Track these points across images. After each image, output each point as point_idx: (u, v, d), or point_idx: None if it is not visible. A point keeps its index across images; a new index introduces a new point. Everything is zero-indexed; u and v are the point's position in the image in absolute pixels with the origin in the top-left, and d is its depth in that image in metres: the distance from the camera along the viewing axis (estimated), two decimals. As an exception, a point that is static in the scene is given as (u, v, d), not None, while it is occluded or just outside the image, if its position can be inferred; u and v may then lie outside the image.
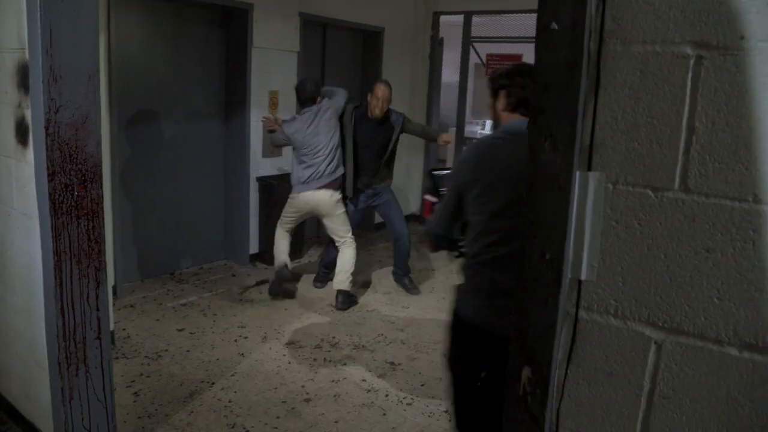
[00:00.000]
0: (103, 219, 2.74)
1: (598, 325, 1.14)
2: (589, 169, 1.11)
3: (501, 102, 2.13)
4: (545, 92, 1.12)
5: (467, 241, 2.08)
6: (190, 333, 4.20)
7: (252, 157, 5.44)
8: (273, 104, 5.54)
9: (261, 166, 5.55)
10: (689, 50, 1.01)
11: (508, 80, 2.12)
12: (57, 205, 2.54)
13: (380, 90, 4.76)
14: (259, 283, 5.17)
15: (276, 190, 5.37)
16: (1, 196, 2.87)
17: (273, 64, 5.49)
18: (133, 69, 4.71)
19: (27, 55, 2.50)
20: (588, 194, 1.11)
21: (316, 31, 6.16)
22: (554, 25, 1.08)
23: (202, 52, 5.24)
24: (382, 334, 4.34)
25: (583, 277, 1.14)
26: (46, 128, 2.46)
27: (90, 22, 2.55)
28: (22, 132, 2.64)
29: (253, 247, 5.62)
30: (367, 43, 6.77)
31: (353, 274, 4.78)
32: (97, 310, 2.75)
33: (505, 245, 1.92)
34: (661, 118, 1.04)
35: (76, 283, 2.66)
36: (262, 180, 5.52)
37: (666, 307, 1.07)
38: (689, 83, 1.01)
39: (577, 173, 1.11)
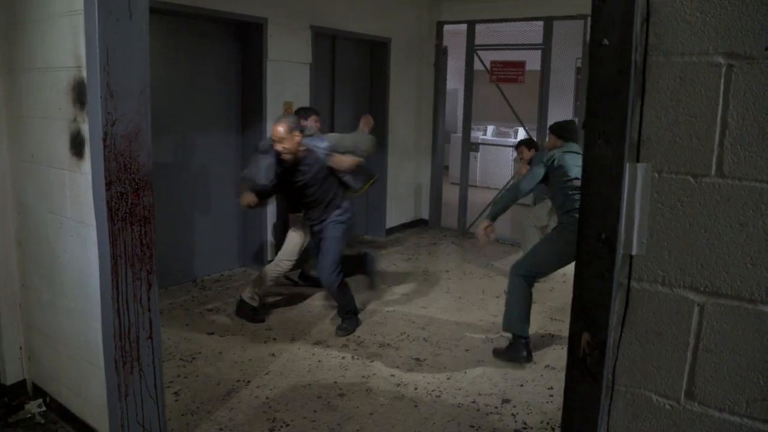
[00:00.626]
0: (153, 225, 2.95)
1: (647, 293, 1.36)
2: (638, 160, 1.33)
3: None
4: (598, 98, 1.34)
5: None
6: (220, 336, 4.39)
7: (269, 166, 5.64)
8: (287, 115, 5.75)
9: (278, 174, 5.76)
10: (721, 60, 1.23)
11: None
12: (113, 212, 2.74)
13: (275, 130, 4.08)
14: (279, 286, 5.37)
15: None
16: (53, 206, 3.06)
17: (287, 76, 5.72)
18: (152, 82, 4.90)
19: (84, 73, 2.72)
20: (637, 181, 1.33)
21: (326, 43, 6.41)
22: (605, 41, 1.30)
23: (218, 65, 5.47)
24: (404, 333, 4.54)
25: (634, 252, 1.36)
26: (104, 140, 2.67)
27: (141, 42, 2.77)
28: (77, 145, 2.85)
29: (270, 255, 5.82)
30: (374, 53, 7.02)
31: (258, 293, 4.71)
32: (149, 311, 2.95)
33: None
34: (698, 116, 1.26)
35: (130, 286, 2.86)
36: (280, 188, 5.73)
37: (707, 274, 1.29)
38: (722, 87, 1.24)
39: (627, 164, 1.33)
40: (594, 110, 1.36)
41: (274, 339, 4.37)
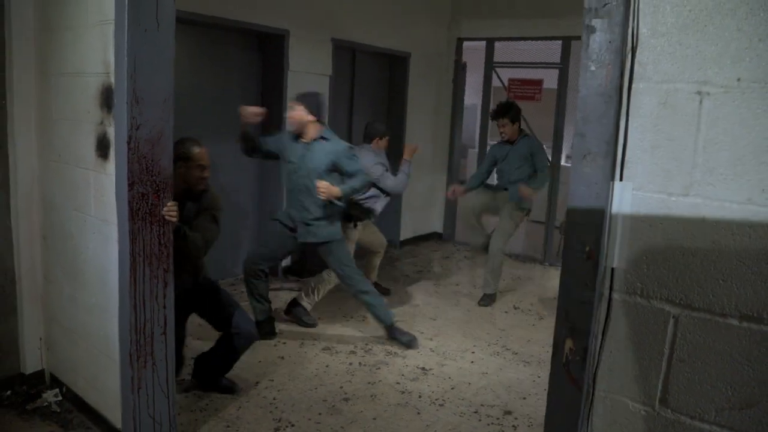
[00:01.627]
0: (170, 226, 3.09)
1: (627, 304, 1.45)
2: (621, 179, 1.43)
3: None
4: (586, 121, 1.45)
5: None
6: (232, 338, 4.51)
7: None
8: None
9: (295, 183, 5.90)
10: (699, 88, 1.33)
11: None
12: (134, 211, 2.89)
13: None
14: (291, 291, 5.49)
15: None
16: (78, 204, 3.22)
17: (307, 87, 5.85)
18: (175, 89, 5.08)
19: (112, 79, 2.88)
20: (619, 199, 1.43)
21: (346, 56, 6.56)
22: (593, 68, 1.41)
23: (240, 75, 5.64)
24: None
25: (615, 265, 1.45)
26: (128, 143, 2.81)
27: (167, 53, 2.92)
28: (103, 147, 3.00)
29: (286, 261, 5.95)
30: (393, 67, 7.17)
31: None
32: (164, 308, 3.08)
33: None
34: (677, 139, 1.36)
35: (148, 283, 2.99)
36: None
37: (682, 287, 1.39)
38: (699, 113, 1.33)
39: (611, 183, 1.43)
40: (582, 132, 1.46)
41: (284, 343, 4.49)
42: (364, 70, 6.85)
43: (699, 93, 1.32)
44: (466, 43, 7.59)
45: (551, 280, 6.71)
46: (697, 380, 1.38)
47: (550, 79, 7.06)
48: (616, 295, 1.46)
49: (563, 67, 6.83)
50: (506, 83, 7.33)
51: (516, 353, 4.57)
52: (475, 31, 7.40)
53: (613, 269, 1.45)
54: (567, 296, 1.51)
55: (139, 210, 2.89)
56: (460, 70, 7.64)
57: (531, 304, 5.78)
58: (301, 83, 5.81)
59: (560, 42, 6.81)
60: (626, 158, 1.41)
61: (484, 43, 7.37)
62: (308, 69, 5.84)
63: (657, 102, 1.36)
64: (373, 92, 7.08)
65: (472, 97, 8.32)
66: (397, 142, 7.12)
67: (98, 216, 3.08)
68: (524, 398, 3.87)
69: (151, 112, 2.88)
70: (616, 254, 1.44)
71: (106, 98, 2.94)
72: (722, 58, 1.28)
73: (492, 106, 6.28)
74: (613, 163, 1.42)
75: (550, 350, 4.53)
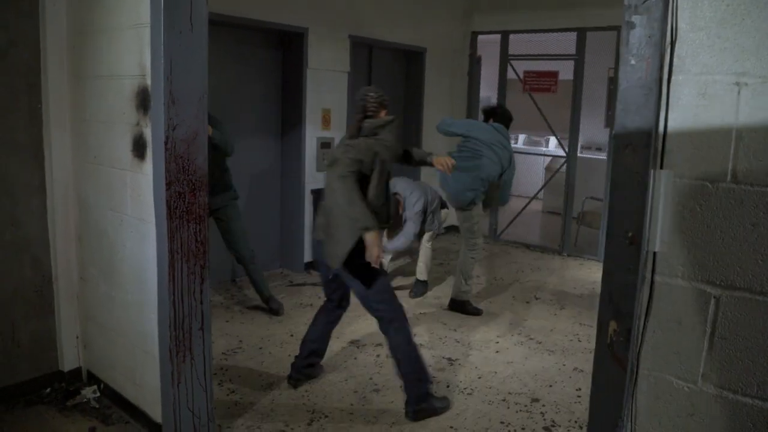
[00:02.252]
0: (207, 223, 3.19)
1: (669, 286, 1.54)
2: (661, 167, 1.51)
3: None
4: (626, 112, 1.53)
5: None
6: (259, 333, 4.62)
7: (307, 171, 5.90)
8: (325, 121, 6.00)
9: (315, 179, 6.01)
10: (737, 79, 1.41)
11: None
12: (172, 210, 2.98)
13: None
14: (314, 286, 5.60)
15: (332, 201, 5.82)
16: (114, 204, 3.32)
17: (326, 83, 5.97)
18: (201, 90, 5.20)
19: (148, 81, 2.97)
20: (660, 187, 1.51)
21: (363, 52, 6.65)
22: (633, 62, 1.49)
23: (261, 73, 5.74)
24: (435, 334, 4.73)
25: (656, 249, 1.54)
26: (165, 143, 2.91)
27: (201, 53, 3.00)
28: (139, 147, 3.10)
29: (308, 256, 6.06)
30: (410, 62, 7.26)
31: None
32: (201, 304, 3.18)
33: None
34: (715, 129, 1.44)
35: (185, 279, 3.09)
36: (316, 193, 5.97)
37: (722, 269, 1.47)
38: (737, 103, 1.41)
39: (652, 171, 1.51)
40: (622, 123, 1.54)
41: (312, 336, 4.60)
42: (381, 66, 6.94)
43: (737, 84, 1.40)
44: (480, 37, 7.66)
45: (570, 270, 6.78)
46: (738, 356, 1.46)
47: (565, 70, 7.11)
48: (658, 278, 1.54)
49: (578, 59, 6.89)
50: (521, 75, 7.38)
51: (540, 342, 4.66)
52: (490, 25, 7.46)
53: (655, 253, 1.54)
54: (610, 280, 1.59)
55: (176, 208, 2.99)
56: (475, 63, 7.71)
57: (552, 294, 5.86)
58: (320, 80, 5.91)
59: (575, 33, 6.86)
60: (666, 147, 1.50)
61: (499, 36, 7.42)
62: (327, 66, 5.94)
63: (696, 93, 1.44)
64: (391, 88, 7.16)
65: (487, 89, 8.38)
66: (414, 135, 7.20)
67: (135, 215, 3.18)
68: (550, 386, 3.95)
69: (187, 113, 2.97)
70: (658, 239, 1.52)
71: (143, 100, 3.04)
72: (760, 50, 1.36)
73: (486, 104, 6.02)
74: (653, 152, 1.50)
75: (573, 339, 4.63)
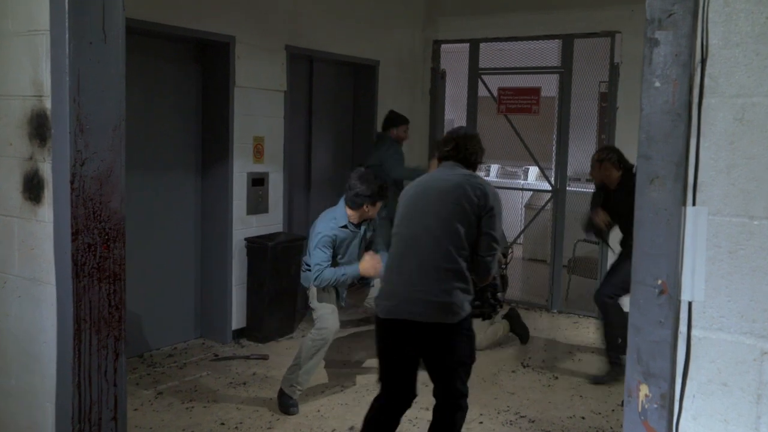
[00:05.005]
0: (124, 282, 3.19)
1: (709, 341, 1.67)
2: (694, 203, 1.66)
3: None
4: (651, 141, 1.67)
5: None
6: (179, 423, 4.57)
7: (235, 214, 5.93)
8: (258, 152, 6.08)
9: (246, 224, 6.04)
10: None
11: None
12: (79, 267, 2.98)
13: None
14: (245, 359, 5.58)
15: (269, 253, 5.87)
16: (-9, 261, 3.25)
17: (257, 106, 6.07)
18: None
19: (47, 104, 2.98)
20: (693, 226, 1.66)
21: (302, 67, 6.81)
22: (657, 84, 1.64)
23: (175, 93, 5.80)
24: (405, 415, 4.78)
25: (692, 299, 1.67)
26: (71, 183, 2.92)
27: (118, 69, 3.07)
28: (33, 187, 3.10)
29: (238, 322, 6.04)
30: (359, 78, 7.47)
31: None
32: (115, 386, 3.17)
33: None
34: (756, 158, 1.59)
35: (95, 355, 3.08)
36: (251, 242, 6.01)
37: (770, 319, 1.61)
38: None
39: (683, 208, 1.65)
40: (646, 153, 1.69)
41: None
42: (323, 84, 7.12)
43: (780, 105, 1.56)
44: (444, 47, 7.93)
45: (562, 330, 6.96)
46: (794, 423, 1.59)
47: (548, 86, 7.42)
48: (696, 332, 1.67)
49: (564, 71, 7.18)
50: (495, 93, 7.64)
51: (533, 421, 4.76)
52: (456, 32, 7.73)
53: (690, 303, 1.67)
54: (638, 336, 1.71)
55: (84, 265, 2.99)
56: (438, 78, 7.96)
57: (542, 361, 6.00)
58: (250, 101, 5.99)
59: (559, 41, 7.18)
60: (699, 180, 1.64)
61: (467, 45, 7.70)
62: (259, 84, 6.04)
63: (732, 118, 1.60)
64: (336, 108, 7.33)
65: (454, 110, 8.65)
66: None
67: (25, 274, 3.13)
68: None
69: (100, 143, 2.99)
70: (694, 286, 1.66)
71: (38, 126, 3.03)
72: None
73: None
74: (684, 187, 1.64)
75: (574, 417, 4.77)
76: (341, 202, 4.87)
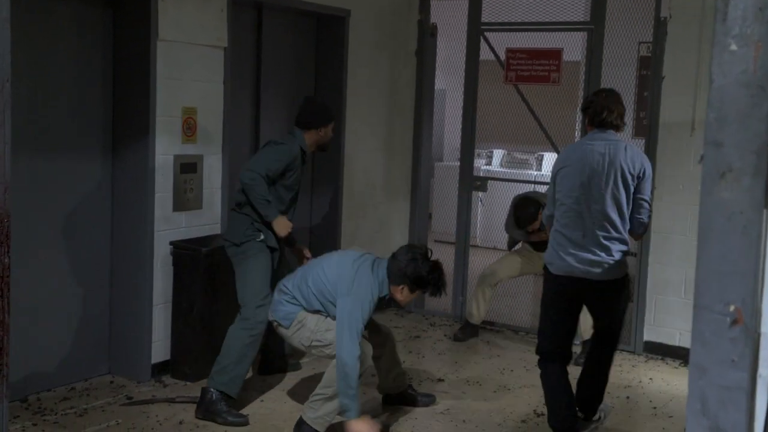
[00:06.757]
0: (8, 301, 3.14)
1: (796, 386, 1.67)
2: (776, 206, 1.66)
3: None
4: (722, 123, 1.67)
5: None
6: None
7: (157, 212, 5.88)
8: (189, 128, 6.02)
9: (173, 224, 5.99)
10: None
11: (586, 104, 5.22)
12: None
13: None
14: (169, 403, 5.54)
15: (203, 262, 5.82)
16: None
17: (188, 66, 6.02)
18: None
19: None
20: (777, 235, 1.66)
21: (249, 18, 6.79)
22: (733, 47, 1.64)
23: (75, 51, 5.73)
24: None
25: (775, 330, 1.67)
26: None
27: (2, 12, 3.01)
28: None
29: (159, 353, 5.99)
30: (324, 34, 7.46)
31: None
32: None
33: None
34: None
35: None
36: (179, 247, 5.95)
37: None
38: None
39: (766, 212, 1.65)
40: (716, 139, 1.69)
41: None
42: (276, 39, 7.10)
43: None
44: (436, -5, 7.93)
45: (576, 368, 6.98)
46: None
47: (572, 48, 7.41)
48: (778, 374, 1.67)
49: (594, 28, 7.15)
50: (503, 56, 7.63)
51: None
52: (450, -26, 7.73)
53: (771, 336, 1.67)
54: (702, 379, 1.71)
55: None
56: (427, 36, 7.94)
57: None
58: (179, 61, 5.94)
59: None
60: (785, 176, 1.64)
61: (464, -7, 7.70)
62: (190, 38, 6.00)
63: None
64: (293, 72, 7.28)
65: (447, 78, 8.63)
66: (329, 155, 7.23)
67: None
68: None
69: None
70: (777, 315, 1.66)
71: None
72: None
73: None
74: (766, 184, 1.63)
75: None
76: None
